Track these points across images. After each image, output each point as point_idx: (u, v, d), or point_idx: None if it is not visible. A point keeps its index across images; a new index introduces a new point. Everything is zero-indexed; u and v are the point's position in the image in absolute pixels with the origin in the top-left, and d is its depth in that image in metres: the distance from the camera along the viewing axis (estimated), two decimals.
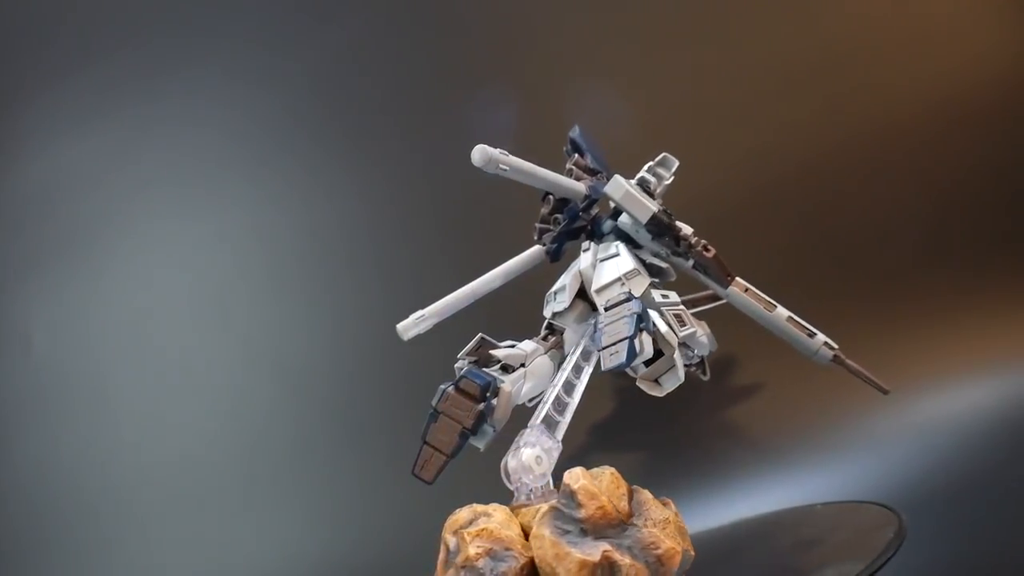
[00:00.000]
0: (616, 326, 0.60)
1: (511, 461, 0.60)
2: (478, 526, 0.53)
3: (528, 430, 0.62)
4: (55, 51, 1.11)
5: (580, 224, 0.68)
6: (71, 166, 1.08)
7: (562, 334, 0.67)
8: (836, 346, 0.70)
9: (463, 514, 0.55)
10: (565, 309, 0.67)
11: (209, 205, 1.06)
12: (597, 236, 0.69)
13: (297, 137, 1.06)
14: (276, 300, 1.03)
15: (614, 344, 0.58)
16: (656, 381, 0.63)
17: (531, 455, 0.59)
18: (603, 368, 0.59)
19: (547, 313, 0.68)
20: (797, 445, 0.88)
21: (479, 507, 0.55)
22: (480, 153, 0.61)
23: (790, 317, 0.69)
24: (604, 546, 0.52)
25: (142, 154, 1.08)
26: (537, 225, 0.69)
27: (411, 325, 0.66)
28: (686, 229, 0.68)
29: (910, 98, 0.98)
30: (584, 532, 0.52)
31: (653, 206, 0.65)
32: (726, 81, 1.00)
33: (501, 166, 0.61)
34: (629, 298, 0.62)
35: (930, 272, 0.95)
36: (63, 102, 1.10)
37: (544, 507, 0.54)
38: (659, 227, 0.66)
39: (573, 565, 0.51)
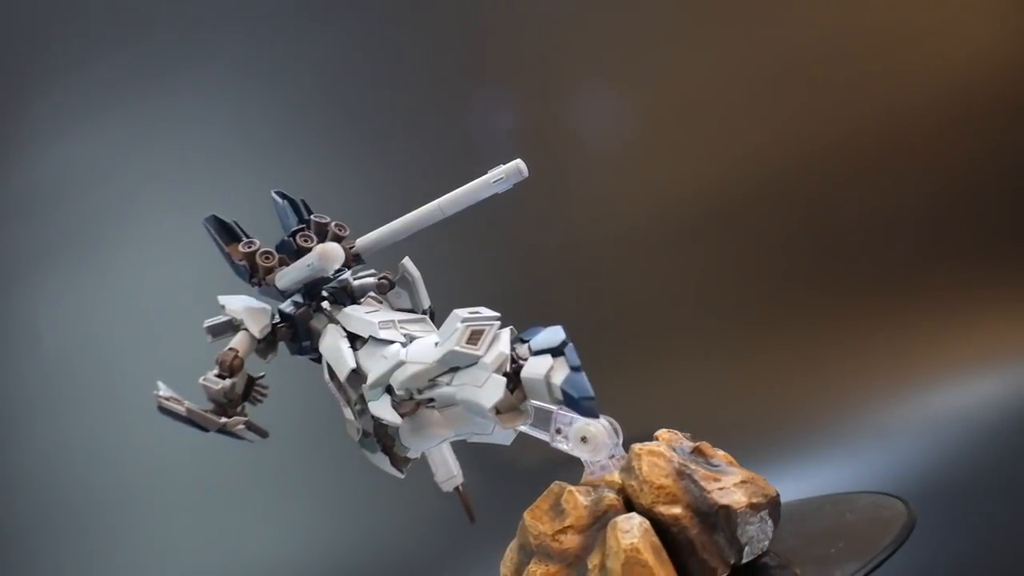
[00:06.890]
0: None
1: (591, 428, 0.59)
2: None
3: (564, 413, 0.61)
4: (63, 47, 1.11)
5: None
6: (79, 161, 1.08)
7: None
8: None
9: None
10: None
11: (216, 199, 1.07)
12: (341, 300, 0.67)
13: (302, 132, 1.07)
14: None
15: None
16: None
17: (604, 425, 0.60)
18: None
19: (395, 336, 0.63)
20: (806, 437, 0.88)
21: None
22: None
23: None
24: None
25: (149, 149, 1.08)
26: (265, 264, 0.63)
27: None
28: None
29: (913, 93, 0.98)
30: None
31: None
32: (728, 78, 1.00)
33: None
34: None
35: (937, 266, 0.95)
36: (71, 98, 1.10)
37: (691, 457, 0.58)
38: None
39: (764, 482, 0.56)
